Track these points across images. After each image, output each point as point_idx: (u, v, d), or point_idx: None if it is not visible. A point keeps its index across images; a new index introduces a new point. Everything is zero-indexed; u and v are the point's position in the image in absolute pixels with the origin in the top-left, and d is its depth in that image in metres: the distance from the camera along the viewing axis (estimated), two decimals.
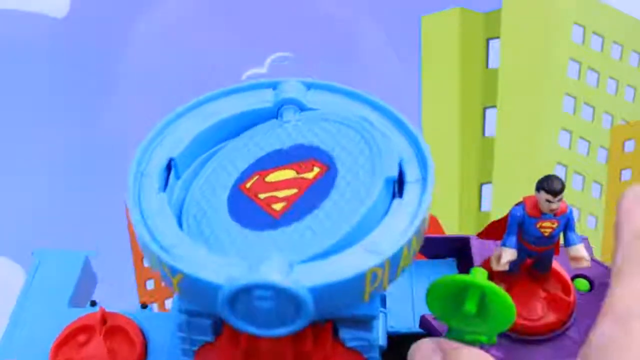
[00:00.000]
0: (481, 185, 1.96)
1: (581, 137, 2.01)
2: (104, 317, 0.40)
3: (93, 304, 0.44)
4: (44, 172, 1.67)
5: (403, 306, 0.42)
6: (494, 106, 1.95)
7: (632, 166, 2.03)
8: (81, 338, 0.39)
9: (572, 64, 1.94)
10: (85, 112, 1.71)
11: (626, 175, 2.04)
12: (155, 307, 2.05)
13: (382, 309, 0.40)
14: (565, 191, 0.34)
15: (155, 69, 1.80)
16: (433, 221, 0.61)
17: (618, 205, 0.34)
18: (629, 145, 2.02)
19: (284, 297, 0.27)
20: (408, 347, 0.34)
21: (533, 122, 1.98)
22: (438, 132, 1.99)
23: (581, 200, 1.96)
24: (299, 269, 0.28)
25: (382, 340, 0.38)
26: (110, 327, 0.40)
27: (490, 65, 1.97)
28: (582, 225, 1.90)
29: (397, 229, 0.30)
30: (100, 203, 1.68)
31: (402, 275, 0.44)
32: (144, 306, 0.44)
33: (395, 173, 0.32)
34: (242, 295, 0.27)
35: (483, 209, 1.96)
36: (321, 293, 0.28)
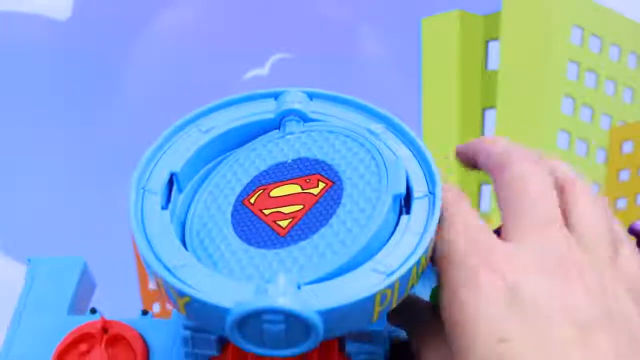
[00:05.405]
0: (481, 185, 1.97)
1: (580, 138, 2.02)
2: (105, 326, 0.41)
3: (93, 311, 0.44)
4: (45, 173, 1.68)
5: None
6: (493, 107, 1.96)
7: (631, 167, 2.04)
8: (82, 347, 0.39)
9: (571, 66, 1.95)
10: (87, 114, 1.71)
11: (624, 175, 2.05)
12: (157, 307, 2.05)
13: None
14: None
15: (156, 70, 1.80)
16: None
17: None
18: (627, 146, 2.02)
19: (293, 320, 0.27)
20: (410, 353, 0.34)
21: (532, 124, 1.98)
22: (438, 133, 2.00)
23: None
24: (308, 290, 0.28)
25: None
26: (112, 336, 0.40)
27: (489, 67, 1.97)
28: None
29: (406, 248, 0.30)
30: (101, 203, 1.68)
31: None
32: (144, 312, 0.44)
33: (402, 190, 0.31)
34: (251, 319, 0.27)
35: (483, 209, 1.97)
36: (331, 315, 0.28)
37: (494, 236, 0.31)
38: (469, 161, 0.36)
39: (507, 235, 0.31)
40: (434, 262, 0.31)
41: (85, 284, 0.47)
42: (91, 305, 0.46)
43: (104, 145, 1.79)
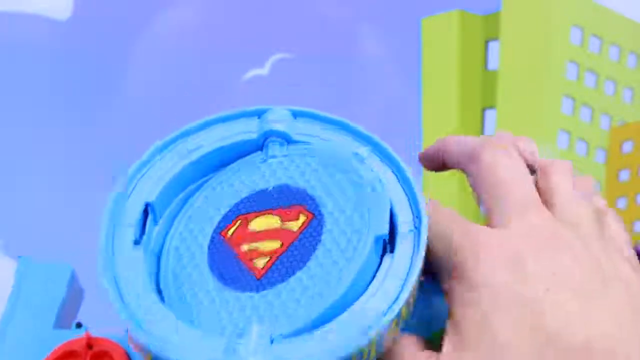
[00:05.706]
0: None
1: (580, 138, 2.02)
2: (90, 342, 0.41)
3: (79, 325, 0.44)
4: (45, 173, 1.68)
5: None
6: (493, 107, 1.96)
7: (631, 167, 2.04)
8: None
9: (570, 66, 1.95)
10: (87, 114, 1.72)
11: (624, 175, 2.05)
12: None
13: None
14: None
15: (156, 70, 1.81)
16: None
17: None
18: (627, 146, 2.02)
19: None
20: None
21: (532, 123, 1.98)
22: (438, 133, 2.00)
23: None
24: (281, 347, 0.27)
25: None
26: (97, 353, 0.41)
27: (489, 67, 1.97)
28: None
29: (387, 297, 0.29)
30: (101, 203, 1.68)
31: None
32: None
33: (385, 231, 0.31)
34: None
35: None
36: None
37: (480, 225, 0.32)
38: (436, 162, 0.37)
39: (489, 224, 0.32)
40: (431, 264, 0.31)
41: (73, 293, 0.47)
42: (81, 309, 0.47)
43: (104, 145, 1.79)
